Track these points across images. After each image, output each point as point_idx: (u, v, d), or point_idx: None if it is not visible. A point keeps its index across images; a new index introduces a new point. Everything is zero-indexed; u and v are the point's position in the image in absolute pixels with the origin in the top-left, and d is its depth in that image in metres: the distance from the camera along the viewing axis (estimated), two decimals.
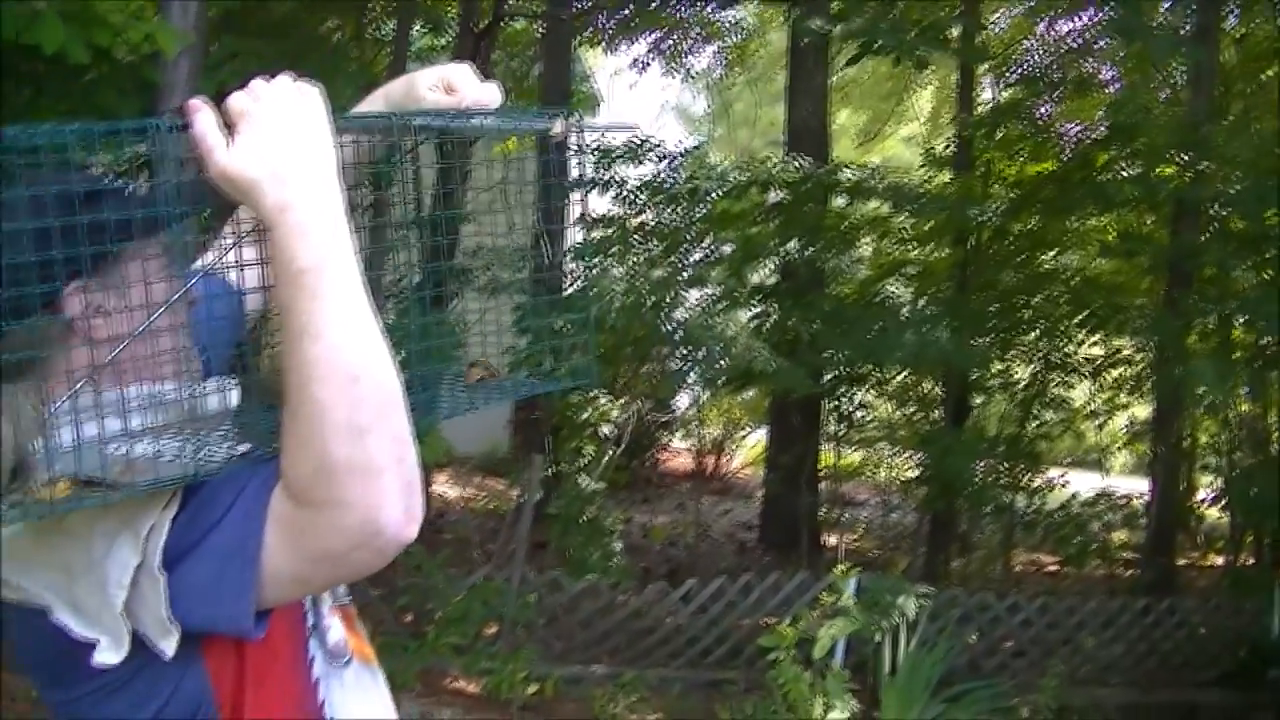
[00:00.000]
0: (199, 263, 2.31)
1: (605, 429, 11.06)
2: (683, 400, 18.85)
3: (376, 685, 2.36)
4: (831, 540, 14.80)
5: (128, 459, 1.86)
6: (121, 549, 1.87)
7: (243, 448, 1.95)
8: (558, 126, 2.24)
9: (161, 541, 1.86)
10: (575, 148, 2.32)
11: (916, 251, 15.45)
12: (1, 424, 1.79)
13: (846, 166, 14.02)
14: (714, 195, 12.89)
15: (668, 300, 11.42)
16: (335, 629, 2.30)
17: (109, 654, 1.89)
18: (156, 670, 1.97)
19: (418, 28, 15.98)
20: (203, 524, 1.88)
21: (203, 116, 1.84)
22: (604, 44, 21.28)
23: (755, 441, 21.73)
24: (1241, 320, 14.23)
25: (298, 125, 1.88)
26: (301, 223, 1.82)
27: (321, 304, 1.80)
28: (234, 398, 2.11)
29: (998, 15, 19.06)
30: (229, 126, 1.86)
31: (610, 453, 11.25)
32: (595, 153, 13.42)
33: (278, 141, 1.85)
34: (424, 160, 2.39)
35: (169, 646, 1.89)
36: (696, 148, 14.58)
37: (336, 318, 1.81)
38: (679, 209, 13.17)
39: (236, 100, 1.88)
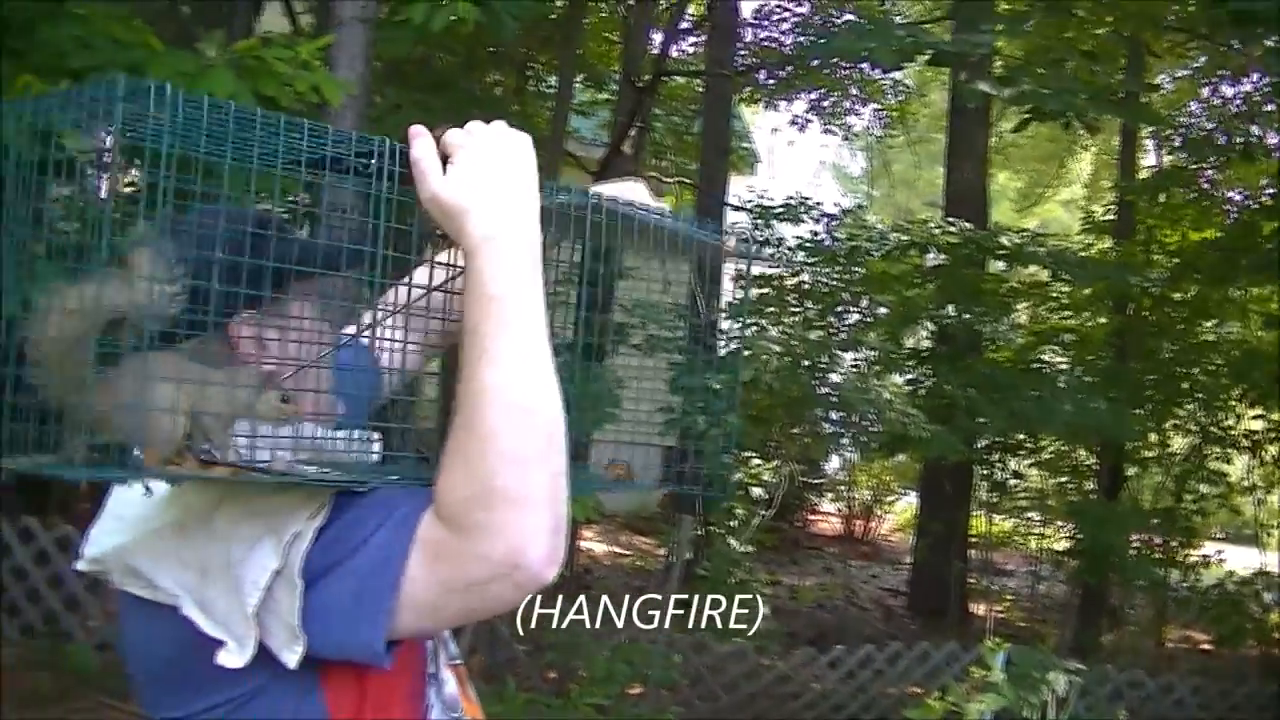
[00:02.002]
0: (357, 322, 2.36)
1: (756, 490, 11.01)
2: (833, 462, 18.81)
3: None
4: (980, 609, 14.62)
5: (286, 460, 1.92)
6: (262, 551, 1.89)
7: (392, 476, 1.98)
8: (730, 244, 2.27)
9: (304, 550, 1.89)
10: (743, 270, 2.35)
11: (1074, 319, 15.28)
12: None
13: (1006, 230, 13.90)
14: (872, 256, 12.84)
15: (823, 362, 11.37)
16: (450, 683, 2.32)
17: (234, 657, 1.91)
18: (276, 694, 1.99)
19: (579, 82, 16.09)
20: (348, 543, 1.90)
21: (422, 141, 1.94)
22: (764, 101, 21.35)
23: (905, 506, 21.62)
24: None
25: (508, 164, 1.97)
26: (501, 253, 1.89)
27: (507, 332, 1.87)
28: (375, 449, 2.14)
29: (1161, 77, 18.88)
30: (444, 157, 1.94)
31: (760, 515, 11.18)
32: (754, 210, 13.44)
33: (489, 175, 1.94)
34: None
35: (293, 658, 1.90)
36: (855, 208, 14.56)
37: (518, 348, 1.87)
38: (836, 270, 13.14)
39: (454, 134, 1.97)
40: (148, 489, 1.88)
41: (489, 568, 1.82)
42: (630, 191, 2.34)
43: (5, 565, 9.25)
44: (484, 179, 1.92)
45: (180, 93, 1.71)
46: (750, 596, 10.52)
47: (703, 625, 10.37)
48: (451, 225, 1.92)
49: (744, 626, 10.27)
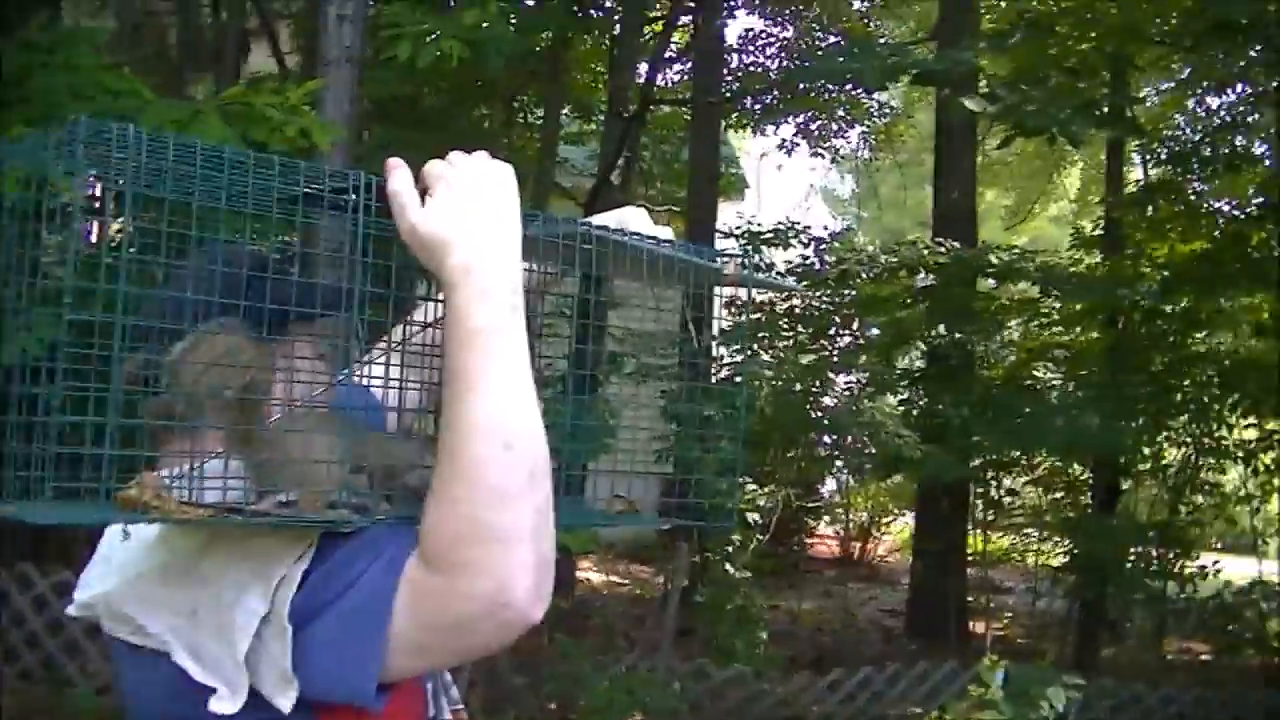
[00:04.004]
0: (355, 366, 2.35)
1: (752, 516, 11.01)
2: (829, 485, 18.81)
3: None
4: (979, 628, 14.61)
5: (269, 499, 1.90)
6: (250, 597, 1.88)
7: (379, 516, 1.96)
8: (730, 269, 2.27)
9: (291, 594, 1.88)
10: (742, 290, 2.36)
11: (1067, 336, 15.29)
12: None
13: (995, 248, 13.93)
14: (862, 279, 12.87)
15: (816, 386, 11.41)
16: None
17: (226, 703, 1.89)
18: None
19: (567, 113, 16.15)
20: (335, 585, 1.89)
21: (400, 174, 1.92)
22: (751, 127, 21.39)
23: (902, 526, 21.59)
24: None
25: (490, 194, 1.94)
26: (483, 285, 1.87)
27: (490, 366, 1.85)
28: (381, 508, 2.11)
29: (1146, 91, 18.92)
30: (423, 189, 1.92)
31: (757, 539, 11.19)
32: (743, 236, 13.46)
33: (470, 206, 1.91)
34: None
35: (287, 702, 1.89)
36: (844, 231, 14.62)
37: (502, 382, 1.85)
38: (826, 293, 13.17)
39: (434, 165, 1.95)
40: (126, 533, 1.91)
41: (475, 606, 1.82)
42: (630, 218, 2.33)
43: (4, 612, 9.26)
44: (464, 210, 1.90)
45: (144, 133, 1.73)
46: (749, 622, 10.52)
47: (702, 652, 10.38)
48: (431, 258, 1.90)
49: (743, 652, 10.27)
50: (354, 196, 1.92)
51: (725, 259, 2.30)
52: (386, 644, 1.87)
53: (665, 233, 2.29)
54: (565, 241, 2.08)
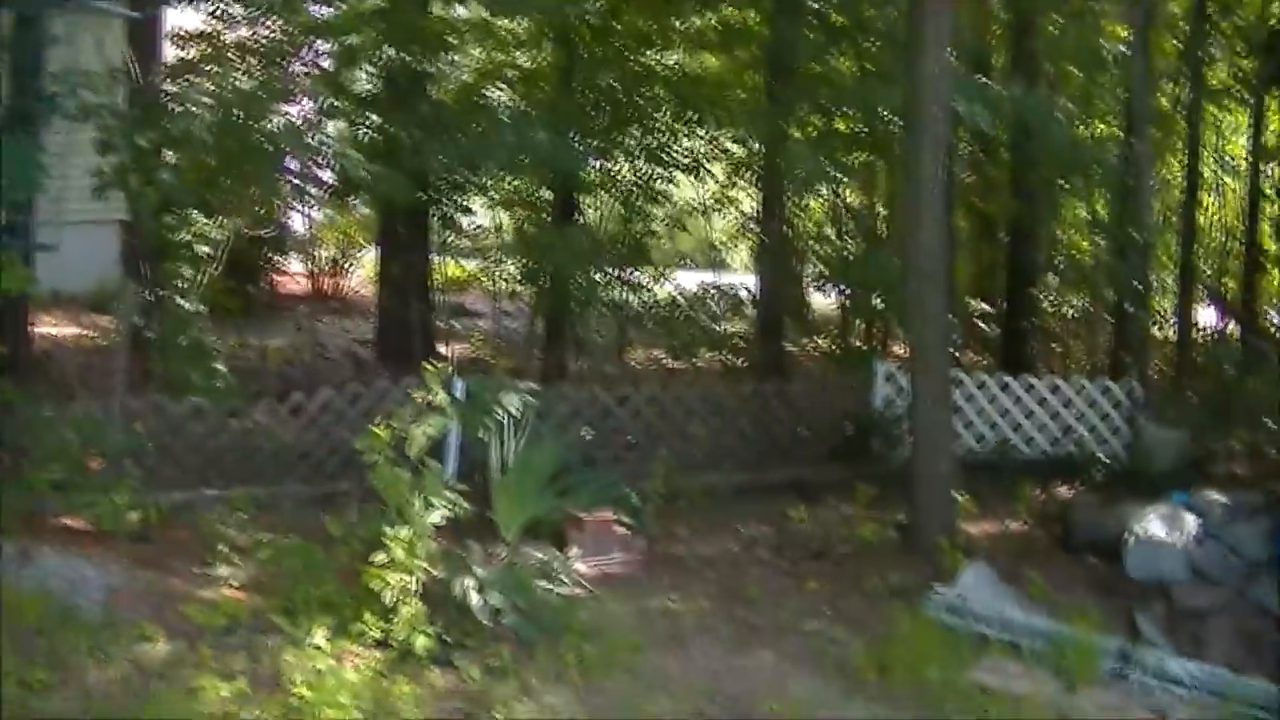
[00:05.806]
0: None
1: (203, 249, 10.72)
2: (296, 221, 18.65)
3: None
4: (454, 351, 14.75)
5: None
6: None
7: None
8: None
9: None
10: None
11: (523, 57, 15.32)
12: None
13: None
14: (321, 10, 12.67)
15: (264, 115, 11.18)
16: None
17: None
18: None
19: None
20: None
21: None
22: None
23: (372, 260, 21.55)
24: (841, 111, 14.49)
25: None
26: None
27: None
28: None
29: None
30: None
31: (210, 273, 10.98)
32: None
33: None
34: None
35: None
36: None
37: None
38: (276, 21, 12.92)
39: None
40: None
41: None
42: None
43: None
44: None
45: None
46: (204, 356, 10.31)
47: (162, 392, 10.17)
48: None
49: (201, 386, 10.08)
50: None
51: None
52: None
53: None
54: None
